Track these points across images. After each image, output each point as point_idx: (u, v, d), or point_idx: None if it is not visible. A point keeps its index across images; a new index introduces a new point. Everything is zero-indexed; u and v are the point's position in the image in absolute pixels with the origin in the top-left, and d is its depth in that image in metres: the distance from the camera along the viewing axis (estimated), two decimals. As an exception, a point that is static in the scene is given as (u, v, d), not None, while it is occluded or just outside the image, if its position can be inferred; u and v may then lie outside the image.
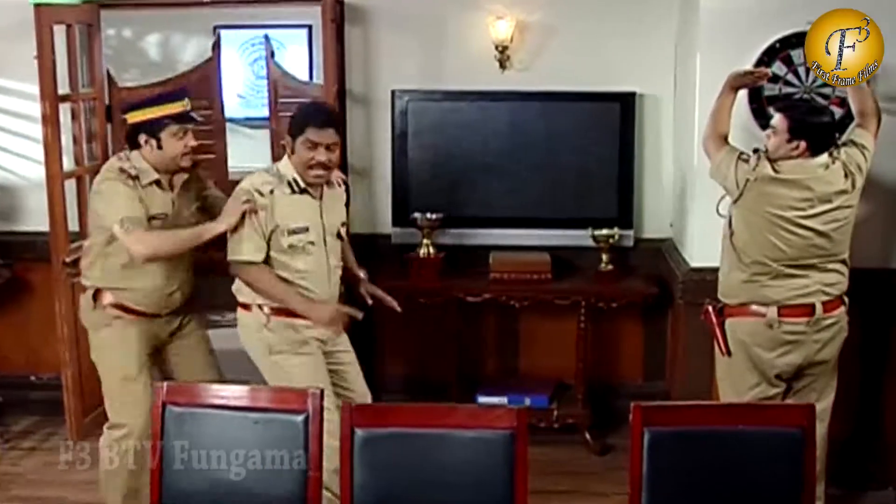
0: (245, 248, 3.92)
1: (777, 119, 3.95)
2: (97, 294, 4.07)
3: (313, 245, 3.97)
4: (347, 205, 4.32)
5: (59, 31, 4.99)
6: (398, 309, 4.28)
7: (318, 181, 3.98)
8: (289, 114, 6.36)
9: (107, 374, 4.13)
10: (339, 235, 4.14)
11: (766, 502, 2.82)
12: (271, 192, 3.92)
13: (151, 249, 3.89)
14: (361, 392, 4.19)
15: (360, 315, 4.13)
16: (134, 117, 3.99)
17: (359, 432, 2.84)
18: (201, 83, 5.67)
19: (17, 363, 5.63)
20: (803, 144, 3.87)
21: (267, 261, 3.94)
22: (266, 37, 6.77)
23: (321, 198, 4.03)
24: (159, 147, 3.94)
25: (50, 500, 4.66)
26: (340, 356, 4.17)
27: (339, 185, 4.20)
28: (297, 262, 3.96)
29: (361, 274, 4.37)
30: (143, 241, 3.87)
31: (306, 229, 3.95)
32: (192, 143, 4.00)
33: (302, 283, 3.97)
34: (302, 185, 3.96)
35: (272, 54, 6.68)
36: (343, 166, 5.26)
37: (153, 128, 3.94)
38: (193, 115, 4.07)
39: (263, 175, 3.99)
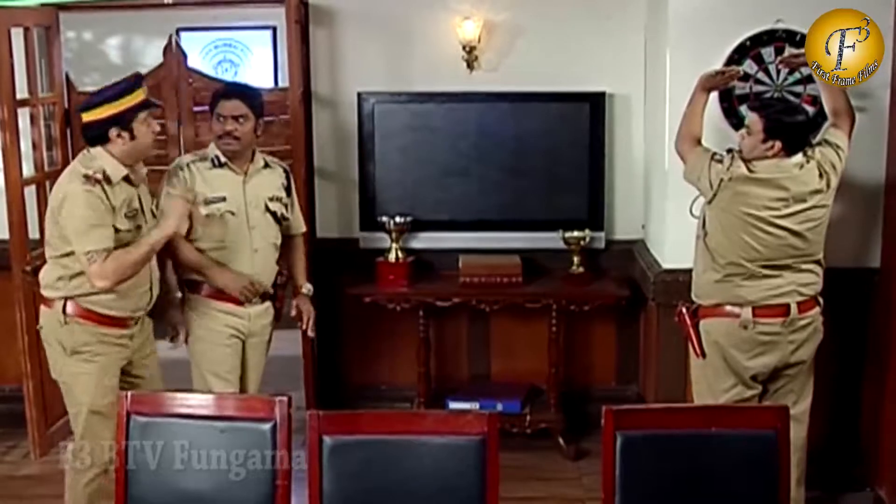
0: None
1: (752, 119, 3.91)
2: (66, 306, 3.84)
3: (233, 216, 4.12)
4: (289, 189, 4.35)
5: (17, 35, 4.92)
6: (311, 334, 4.48)
7: (229, 150, 4.13)
8: (270, 118, 6.30)
9: (74, 406, 3.90)
10: (275, 216, 4.23)
11: (741, 505, 2.80)
12: (189, 165, 4.15)
13: (111, 281, 3.75)
14: None
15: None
16: (95, 114, 3.82)
17: (327, 440, 2.79)
18: (154, 89, 5.52)
19: (-24, 374, 5.50)
20: (778, 144, 3.83)
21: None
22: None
23: (247, 173, 4.19)
24: (132, 138, 3.82)
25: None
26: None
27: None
28: (214, 232, 4.11)
29: (304, 289, 4.41)
30: (104, 275, 3.72)
31: (223, 199, 4.12)
32: (156, 127, 3.95)
33: (220, 254, 4.14)
34: (223, 159, 4.15)
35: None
36: (309, 169, 5.22)
37: (124, 120, 3.80)
38: (153, 99, 4.04)
39: (189, 155, 4.27)
